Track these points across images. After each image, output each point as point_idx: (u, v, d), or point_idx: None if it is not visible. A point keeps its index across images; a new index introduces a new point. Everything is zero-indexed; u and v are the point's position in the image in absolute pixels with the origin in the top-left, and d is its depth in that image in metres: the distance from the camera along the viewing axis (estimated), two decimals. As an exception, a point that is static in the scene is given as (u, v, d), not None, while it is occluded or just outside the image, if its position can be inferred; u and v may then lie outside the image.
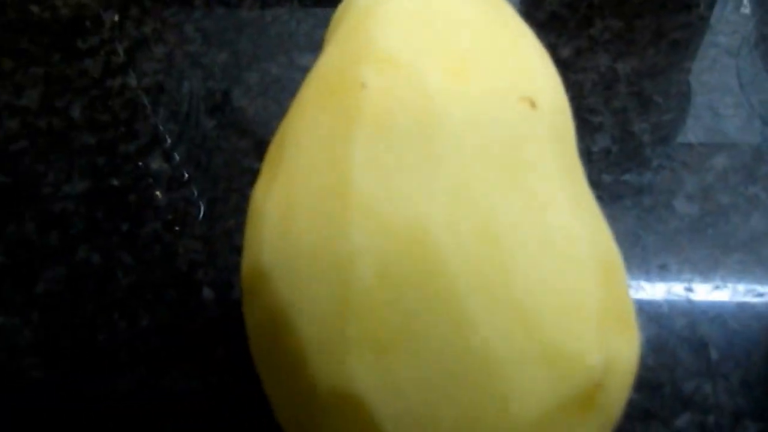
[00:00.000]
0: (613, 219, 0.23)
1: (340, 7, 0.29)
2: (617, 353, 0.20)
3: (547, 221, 0.20)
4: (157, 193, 0.36)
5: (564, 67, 0.40)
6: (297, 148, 0.22)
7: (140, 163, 0.38)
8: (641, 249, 0.33)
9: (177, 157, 0.38)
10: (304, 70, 0.41)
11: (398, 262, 0.19)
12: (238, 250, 0.34)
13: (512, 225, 0.19)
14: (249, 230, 0.23)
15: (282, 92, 0.41)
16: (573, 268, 0.19)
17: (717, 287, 0.32)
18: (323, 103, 0.23)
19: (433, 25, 0.24)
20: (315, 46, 0.43)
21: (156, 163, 0.38)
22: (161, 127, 0.40)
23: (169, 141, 0.39)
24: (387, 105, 0.21)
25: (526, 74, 0.23)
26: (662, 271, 0.33)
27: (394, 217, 0.19)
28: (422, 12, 0.24)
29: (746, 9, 0.44)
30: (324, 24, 0.44)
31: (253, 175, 0.36)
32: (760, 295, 0.32)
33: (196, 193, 0.36)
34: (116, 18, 0.46)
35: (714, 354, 0.30)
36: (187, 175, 0.37)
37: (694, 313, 0.31)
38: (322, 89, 0.23)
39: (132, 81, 0.42)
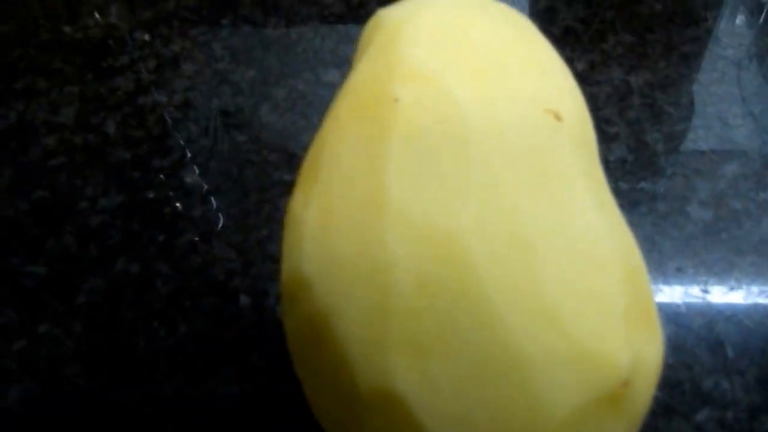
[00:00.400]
0: (630, 225, 0.24)
1: (369, 26, 0.29)
2: (643, 352, 0.20)
3: (573, 226, 0.20)
4: (178, 204, 0.37)
5: (579, 80, 0.41)
6: (333, 160, 0.23)
7: (174, 177, 0.38)
8: (658, 253, 0.34)
9: (209, 170, 0.39)
10: (330, 86, 0.42)
11: (432, 268, 0.19)
12: (272, 258, 0.34)
13: (540, 231, 0.20)
14: (288, 239, 0.23)
15: (309, 107, 0.41)
16: (599, 270, 0.20)
17: (732, 288, 0.32)
18: (358, 116, 0.23)
19: (459, 42, 0.24)
20: (340, 62, 0.44)
21: (189, 177, 0.38)
22: (193, 142, 0.40)
23: (200, 155, 0.39)
24: (418, 118, 0.22)
25: (550, 87, 0.24)
26: (679, 274, 0.33)
27: (428, 224, 0.20)
28: (448, 30, 0.25)
29: (741, 23, 0.45)
30: (347, 40, 0.45)
31: (284, 186, 0.37)
32: (774, 295, 0.32)
33: (229, 204, 0.37)
34: (146, 37, 0.47)
35: (730, 352, 0.30)
36: (219, 188, 0.38)
37: (710, 314, 0.32)
38: (355, 104, 0.24)
39: (163, 98, 0.43)
